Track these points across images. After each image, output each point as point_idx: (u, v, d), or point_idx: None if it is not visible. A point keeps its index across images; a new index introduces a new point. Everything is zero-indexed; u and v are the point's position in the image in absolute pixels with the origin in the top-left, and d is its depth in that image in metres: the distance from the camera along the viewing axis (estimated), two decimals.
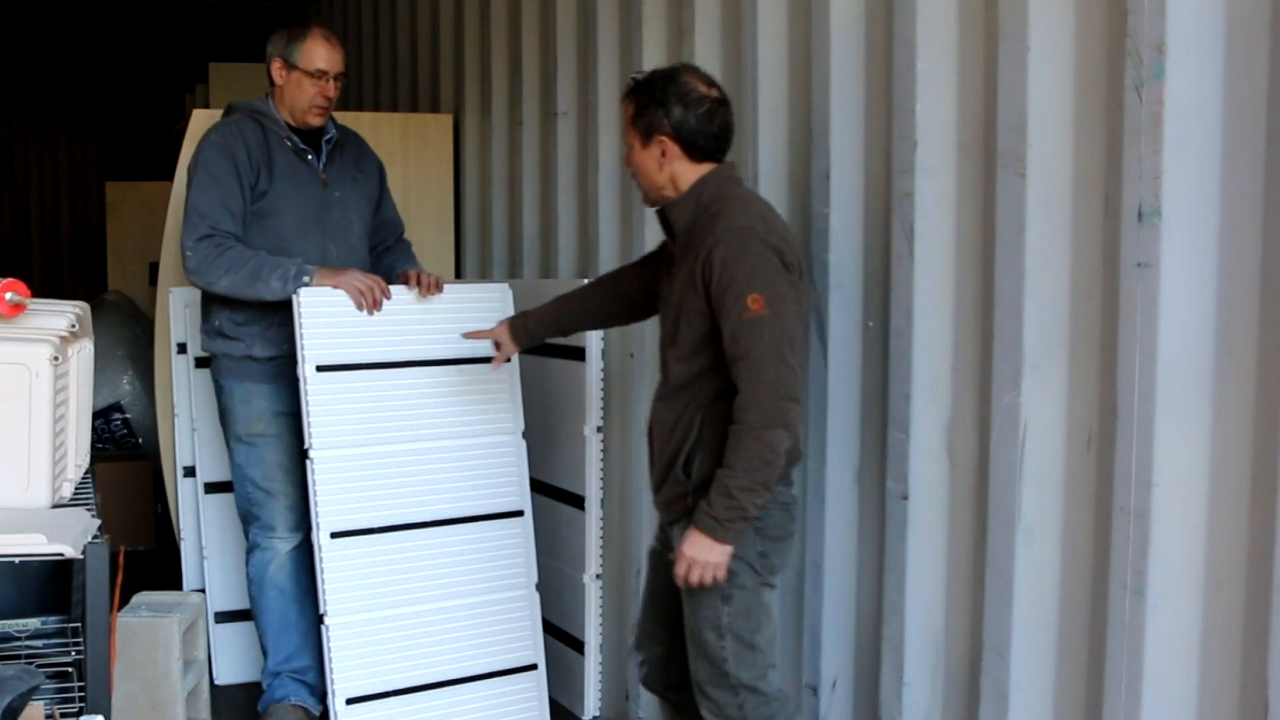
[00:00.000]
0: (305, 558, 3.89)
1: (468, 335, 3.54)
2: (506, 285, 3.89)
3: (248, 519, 3.91)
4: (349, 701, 3.56)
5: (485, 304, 3.78)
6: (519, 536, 3.82)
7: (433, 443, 3.73)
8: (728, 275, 2.60)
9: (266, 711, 3.88)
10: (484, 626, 3.77)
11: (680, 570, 2.68)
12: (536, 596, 3.84)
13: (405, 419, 3.69)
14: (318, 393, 3.57)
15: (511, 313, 3.73)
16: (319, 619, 3.65)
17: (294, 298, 3.56)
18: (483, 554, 3.78)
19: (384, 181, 4.16)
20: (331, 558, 3.56)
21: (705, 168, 2.76)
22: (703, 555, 2.64)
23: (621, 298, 3.19)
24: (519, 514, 3.84)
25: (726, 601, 2.71)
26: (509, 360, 3.49)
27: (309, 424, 3.55)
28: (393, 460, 3.66)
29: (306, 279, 3.60)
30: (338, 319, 3.61)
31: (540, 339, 3.39)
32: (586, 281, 3.40)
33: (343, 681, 3.56)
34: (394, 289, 3.71)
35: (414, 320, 3.69)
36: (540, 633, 3.86)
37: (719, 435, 2.66)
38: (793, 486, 2.79)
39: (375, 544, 3.63)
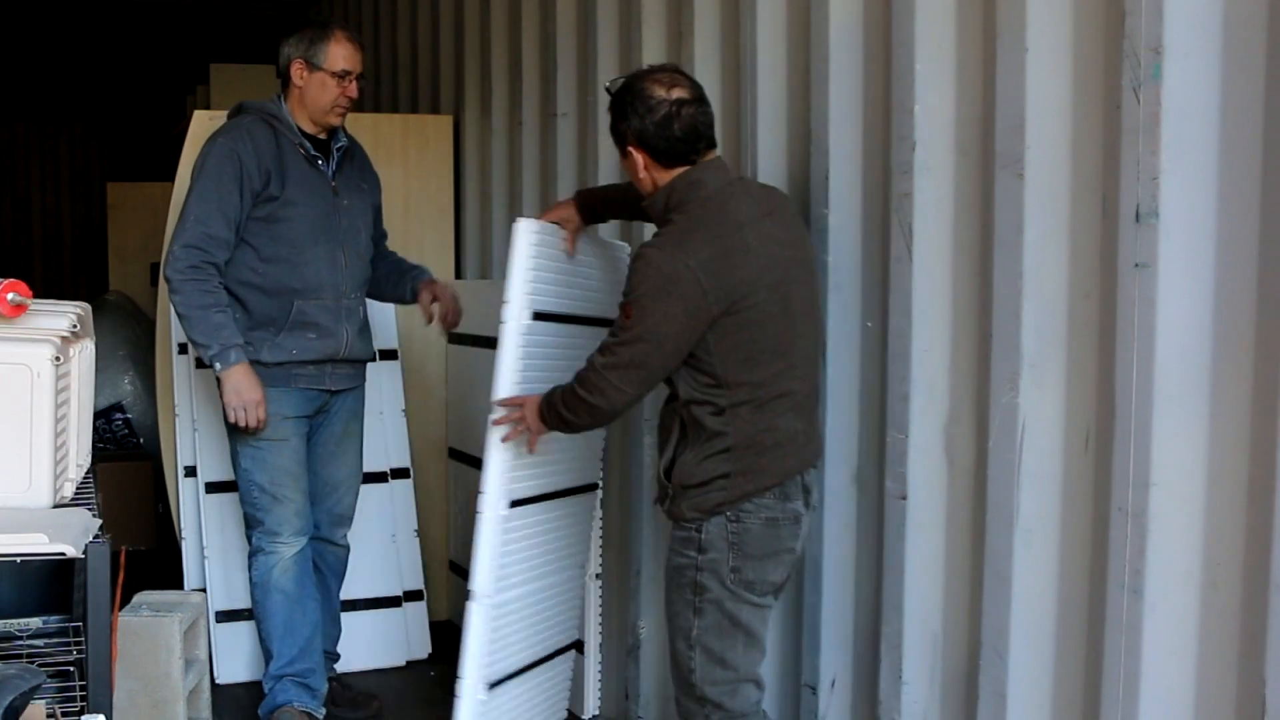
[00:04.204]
0: (309, 560, 3.92)
1: (544, 217, 3.26)
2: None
3: (251, 523, 3.91)
4: (491, 686, 3.27)
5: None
6: (592, 512, 3.76)
7: None
8: (626, 286, 2.69)
9: (270, 717, 3.89)
10: (567, 602, 3.68)
11: (499, 418, 3.02)
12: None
13: None
14: (528, 343, 3.16)
15: None
16: (320, 619, 3.67)
17: (517, 227, 3.16)
18: (578, 528, 3.66)
19: (379, 196, 4.18)
20: (507, 529, 3.22)
21: (679, 170, 2.75)
22: (530, 418, 2.97)
23: None
24: (595, 487, 3.76)
25: (698, 614, 2.71)
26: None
27: (504, 375, 3.14)
28: None
29: (219, 365, 3.65)
30: (553, 264, 3.24)
31: (605, 219, 3.33)
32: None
33: (488, 665, 3.24)
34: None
35: (593, 277, 3.42)
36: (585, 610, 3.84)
37: (695, 435, 2.71)
38: (789, 501, 2.73)
39: (532, 514, 3.37)
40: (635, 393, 2.75)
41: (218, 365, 3.66)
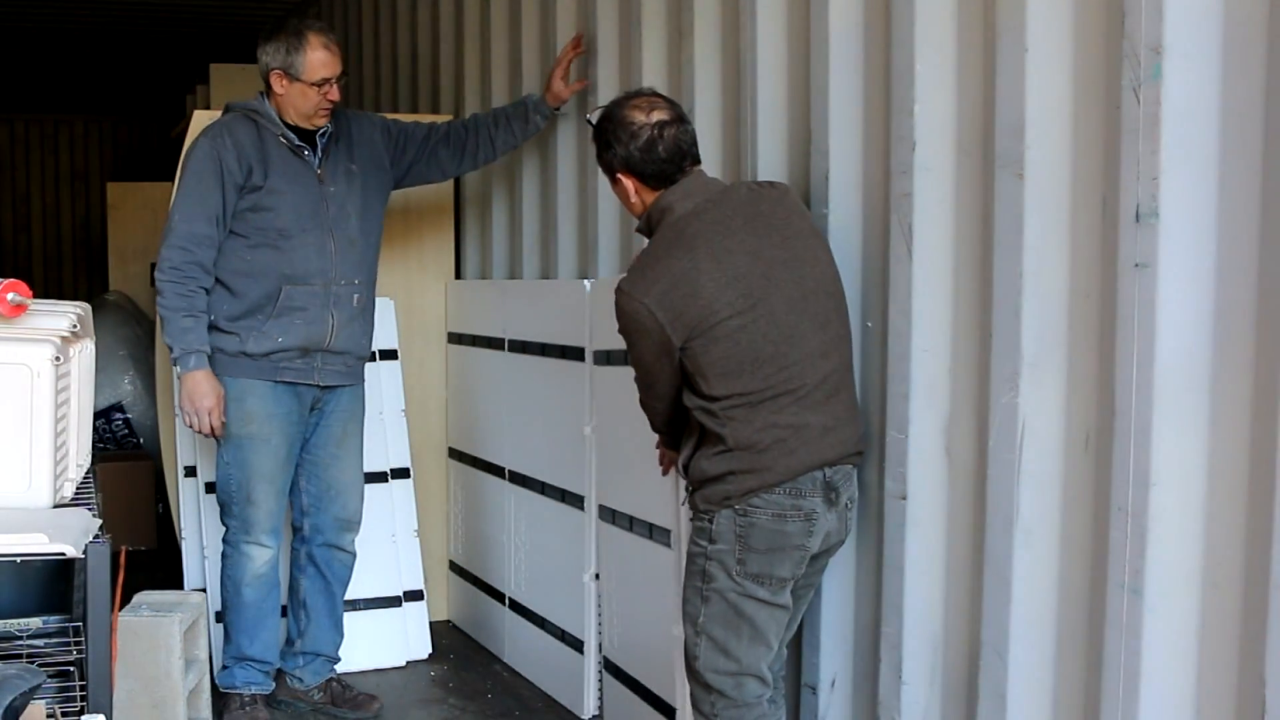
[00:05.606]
0: (278, 569, 4.03)
1: None
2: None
3: (226, 511, 3.97)
4: None
5: None
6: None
7: None
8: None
9: (227, 692, 4.00)
10: None
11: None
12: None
13: None
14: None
15: None
16: (284, 612, 3.95)
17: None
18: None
19: (388, 127, 4.18)
20: None
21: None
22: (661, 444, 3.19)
23: None
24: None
25: (705, 602, 2.77)
26: None
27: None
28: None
29: (180, 369, 3.75)
30: None
31: None
32: None
33: None
34: None
35: None
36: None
37: (704, 435, 2.78)
38: (802, 498, 2.71)
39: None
40: (661, 408, 2.89)
41: (178, 368, 3.75)
